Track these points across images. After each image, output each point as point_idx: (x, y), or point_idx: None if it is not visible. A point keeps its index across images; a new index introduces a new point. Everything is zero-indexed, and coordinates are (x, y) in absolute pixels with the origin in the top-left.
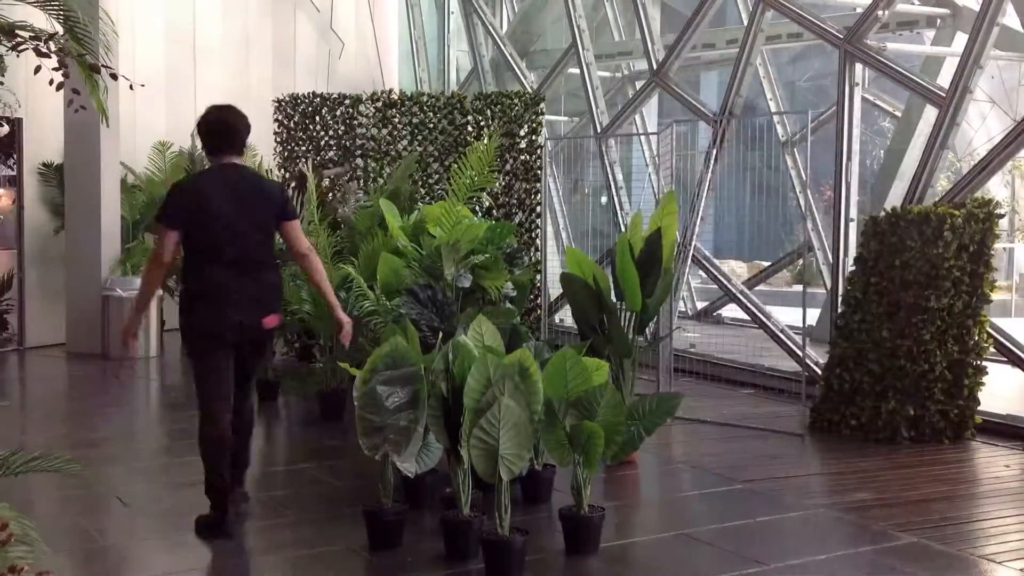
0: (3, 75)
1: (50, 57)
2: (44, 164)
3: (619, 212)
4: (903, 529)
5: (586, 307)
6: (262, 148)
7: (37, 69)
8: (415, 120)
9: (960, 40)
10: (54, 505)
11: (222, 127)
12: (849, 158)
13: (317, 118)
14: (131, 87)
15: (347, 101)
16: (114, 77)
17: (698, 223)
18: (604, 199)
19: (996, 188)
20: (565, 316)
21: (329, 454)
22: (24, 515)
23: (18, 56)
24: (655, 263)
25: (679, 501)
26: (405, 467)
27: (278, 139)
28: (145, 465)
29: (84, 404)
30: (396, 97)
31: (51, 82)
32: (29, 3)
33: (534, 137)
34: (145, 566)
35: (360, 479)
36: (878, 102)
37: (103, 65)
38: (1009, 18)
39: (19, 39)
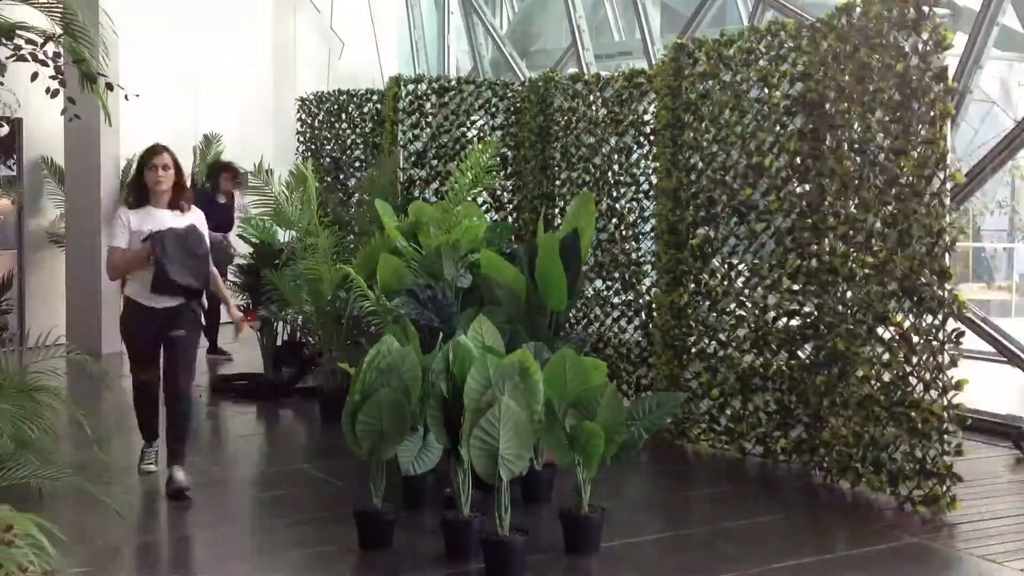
0: (3, 75)
1: (48, 65)
2: (44, 164)
3: None
4: (904, 529)
5: (509, 309)
6: (266, 147)
7: (34, 76)
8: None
9: (960, 40)
10: (53, 505)
11: None
12: None
13: (343, 115)
14: (126, 97)
15: (375, 97)
16: (109, 87)
17: None
18: None
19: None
20: None
21: (328, 454)
22: (30, 515)
23: (15, 60)
24: (576, 263)
25: (680, 501)
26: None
27: (301, 138)
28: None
29: (79, 405)
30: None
31: (47, 90)
32: (31, 4)
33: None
34: (145, 566)
35: (359, 479)
36: None
37: (99, 73)
38: (1009, 18)
39: (17, 46)
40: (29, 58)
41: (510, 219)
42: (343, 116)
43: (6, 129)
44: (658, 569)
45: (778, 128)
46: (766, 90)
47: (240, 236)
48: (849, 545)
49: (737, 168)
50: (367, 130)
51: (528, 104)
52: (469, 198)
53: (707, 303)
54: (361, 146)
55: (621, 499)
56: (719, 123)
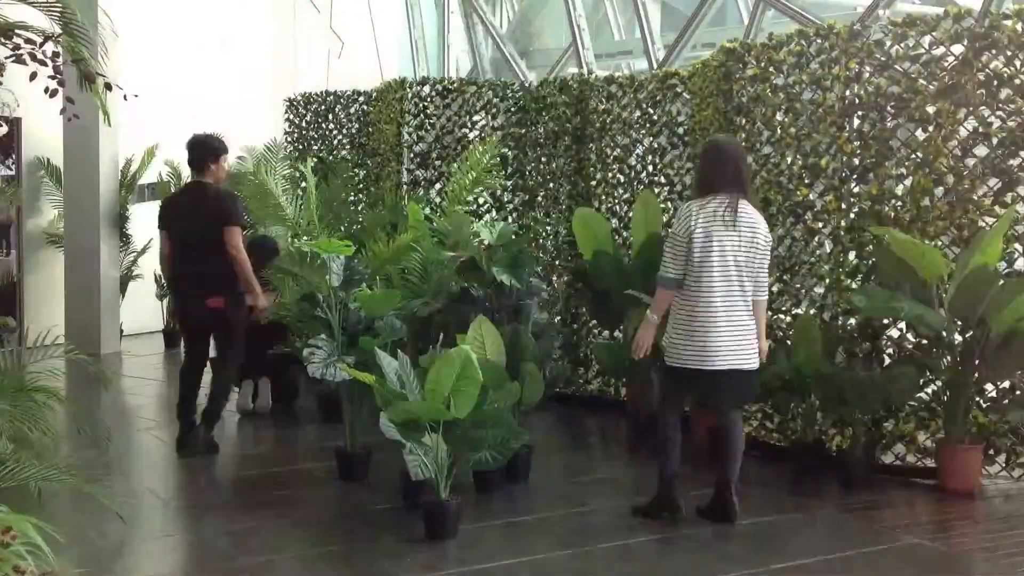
0: (2, 75)
1: (46, 65)
2: (41, 164)
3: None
4: (905, 530)
5: None
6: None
7: (33, 76)
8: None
9: None
10: (52, 505)
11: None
12: None
13: (331, 116)
14: (125, 97)
15: (360, 98)
16: (108, 87)
17: None
18: None
19: None
20: None
21: (330, 454)
22: (28, 517)
23: (13, 62)
24: None
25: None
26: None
27: (289, 138)
28: (141, 465)
29: (76, 404)
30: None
31: (46, 90)
32: (30, 4)
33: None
34: (144, 567)
35: (360, 479)
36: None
37: (98, 74)
38: None
39: (16, 46)
40: (28, 59)
41: (510, 220)
42: (330, 117)
43: (5, 129)
44: (659, 569)
45: (833, 129)
46: (819, 92)
47: None
48: (849, 545)
49: (792, 169)
50: (353, 131)
51: (551, 105)
52: (469, 198)
53: None
54: (348, 147)
55: (623, 499)
56: (772, 125)
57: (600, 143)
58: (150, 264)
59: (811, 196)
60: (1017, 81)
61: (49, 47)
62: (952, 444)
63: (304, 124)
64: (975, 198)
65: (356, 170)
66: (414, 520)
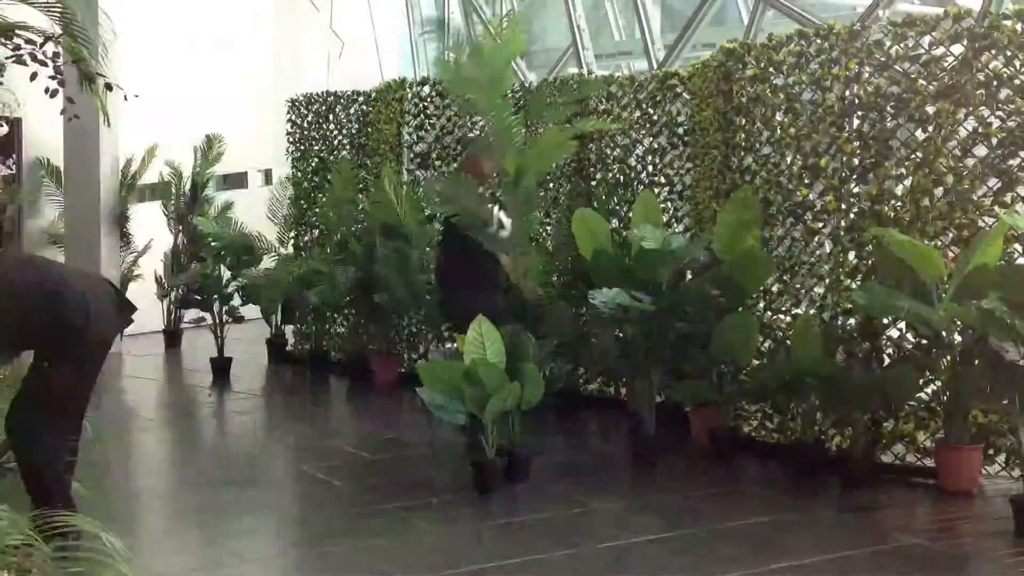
0: (2, 75)
1: (47, 65)
2: (41, 165)
3: None
4: (905, 530)
5: None
6: (266, 147)
7: (33, 76)
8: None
9: None
10: None
11: None
12: None
13: (331, 116)
14: (125, 98)
15: (360, 98)
16: (108, 88)
17: None
18: None
19: None
20: None
21: (330, 455)
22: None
23: (14, 62)
24: None
25: (681, 501)
26: None
27: (291, 139)
28: (143, 466)
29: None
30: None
31: (46, 90)
32: (30, 4)
33: None
34: (141, 566)
35: (359, 480)
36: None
37: (98, 74)
38: None
39: (16, 46)
40: (28, 60)
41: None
42: (330, 117)
43: (5, 129)
44: (659, 569)
45: (833, 129)
46: (819, 92)
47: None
48: (849, 545)
49: (792, 169)
50: (353, 131)
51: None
52: None
53: (762, 302)
54: (347, 147)
55: (622, 499)
56: (772, 125)
57: (600, 143)
58: (150, 264)
59: (811, 196)
60: (1017, 81)
61: (49, 47)
62: (952, 444)
63: (306, 125)
64: (975, 198)
65: (355, 170)
66: (413, 518)
